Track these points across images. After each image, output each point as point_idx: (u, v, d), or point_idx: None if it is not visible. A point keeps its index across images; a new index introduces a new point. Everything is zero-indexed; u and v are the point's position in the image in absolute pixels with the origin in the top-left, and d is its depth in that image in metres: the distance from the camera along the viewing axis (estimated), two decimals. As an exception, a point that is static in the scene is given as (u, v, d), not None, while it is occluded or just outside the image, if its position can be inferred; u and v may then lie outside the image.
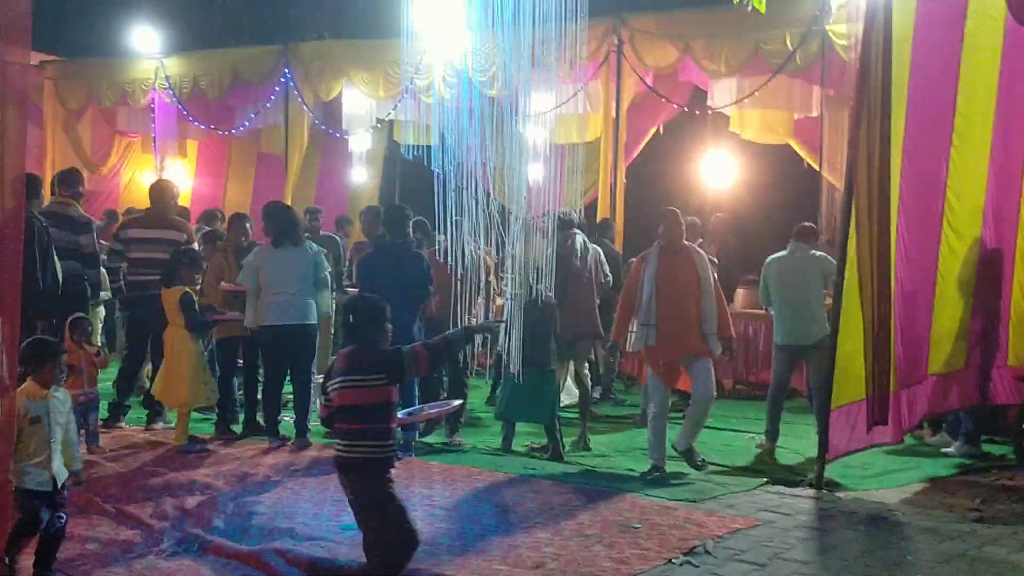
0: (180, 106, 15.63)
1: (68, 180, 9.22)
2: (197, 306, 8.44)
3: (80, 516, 7.07)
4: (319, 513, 6.82)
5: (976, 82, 8.37)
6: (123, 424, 9.30)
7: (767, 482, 7.71)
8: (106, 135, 16.95)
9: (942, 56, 8.08)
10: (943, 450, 8.89)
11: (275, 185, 15.36)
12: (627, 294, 8.48)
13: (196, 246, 9.54)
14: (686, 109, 13.98)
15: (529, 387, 8.42)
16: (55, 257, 8.15)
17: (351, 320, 5.30)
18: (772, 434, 8.91)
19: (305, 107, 14.90)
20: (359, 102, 14.76)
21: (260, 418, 8.97)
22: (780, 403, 9.04)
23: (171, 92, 15.59)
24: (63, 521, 5.64)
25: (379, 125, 15.02)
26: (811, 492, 7.38)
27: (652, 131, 14.63)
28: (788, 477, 7.91)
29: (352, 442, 5.08)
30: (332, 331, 10.38)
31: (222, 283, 9.05)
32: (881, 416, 7.57)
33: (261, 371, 9.05)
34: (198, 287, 8.75)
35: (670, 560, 5.89)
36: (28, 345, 5.83)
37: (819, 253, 9.14)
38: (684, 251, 8.31)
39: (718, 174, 14.42)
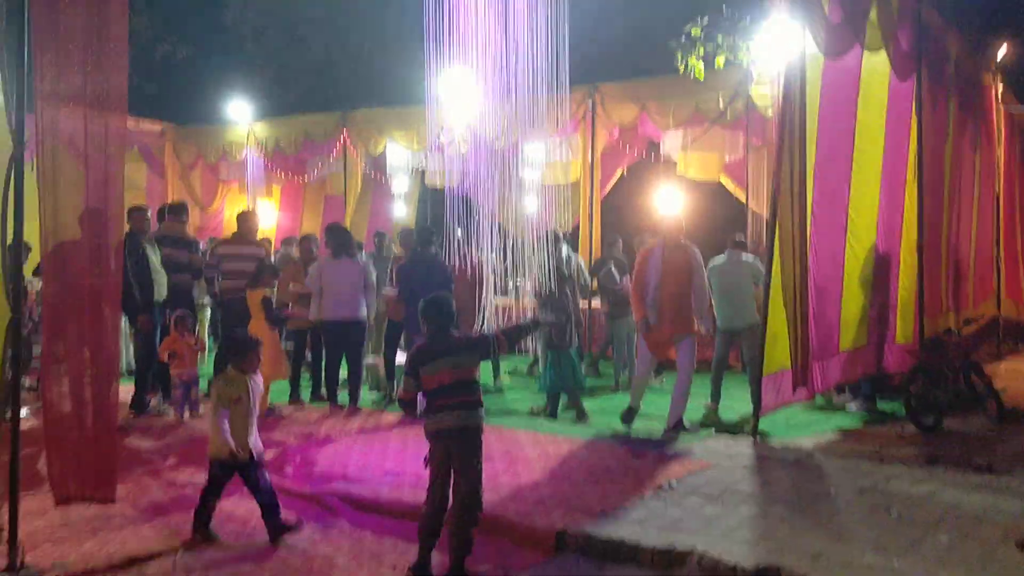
0: (266, 160, 15.26)
1: (177, 210, 8.86)
2: (274, 305, 8.04)
3: (182, 467, 6.65)
4: (367, 463, 6.38)
5: (869, 125, 8.14)
6: None
7: (715, 433, 7.26)
8: (212, 182, 16.55)
9: (843, 105, 7.79)
10: (847, 406, 8.47)
11: (338, 218, 14.72)
12: (638, 281, 7.82)
13: (273, 260, 9.20)
14: (643, 156, 13.63)
15: (561, 364, 8.04)
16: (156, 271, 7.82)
17: (432, 314, 4.73)
18: (715, 397, 8.45)
19: (358, 159, 14.51)
20: (399, 154, 14.35)
21: (323, 391, 8.53)
22: (721, 373, 8.58)
23: (260, 149, 15.24)
24: (267, 479, 5.26)
25: (414, 172, 14.65)
26: (749, 441, 6.92)
27: (618, 173, 14.21)
28: (730, 429, 7.45)
29: (473, 411, 4.59)
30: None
31: (291, 285, 8.63)
32: (803, 380, 7.18)
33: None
34: (275, 290, 8.35)
35: (643, 496, 5.44)
36: (230, 340, 5.48)
37: (748, 258, 8.72)
38: (681, 247, 7.74)
39: (668, 204, 13.98)
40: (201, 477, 6.41)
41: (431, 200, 15.56)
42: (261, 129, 15.38)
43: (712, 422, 7.95)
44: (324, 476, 6.09)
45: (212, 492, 5.25)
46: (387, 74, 14.67)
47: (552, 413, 8.20)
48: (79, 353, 5.11)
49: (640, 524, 4.90)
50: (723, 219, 13.72)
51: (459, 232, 8.03)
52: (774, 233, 7.08)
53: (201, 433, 7.34)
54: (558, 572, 4.58)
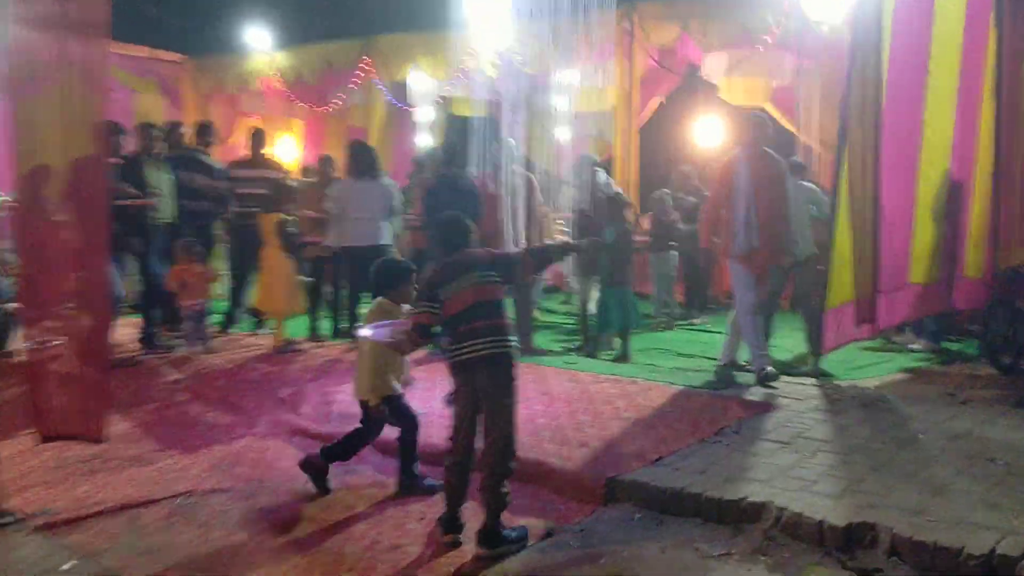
0: (287, 91, 14.46)
1: (202, 132, 8.20)
2: (290, 230, 7.32)
3: (192, 404, 6.02)
4: (391, 401, 5.70)
5: (945, 38, 7.16)
6: (234, 329, 8.21)
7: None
8: (231, 115, 15.71)
9: (917, 18, 6.85)
10: (909, 346, 7.70)
11: None
12: (714, 201, 6.58)
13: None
14: (683, 82, 12.65)
15: (620, 302, 7.32)
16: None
17: (445, 233, 4.03)
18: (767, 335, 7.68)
19: (382, 87, 13.67)
20: (424, 82, 13.49)
21: (344, 325, 7.85)
22: (774, 310, 7.80)
23: (280, 79, 14.45)
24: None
25: (439, 100, 13.76)
26: (812, 381, 6.17)
27: (656, 100, 13.25)
28: (789, 369, 6.70)
29: (503, 337, 3.83)
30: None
31: (304, 210, 7.89)
32: (869, 316, 6.42)
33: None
34: (293, 217, 7.60)
35: (702, 440, 4.73)
36: (385, 266, 4.67)
37: (807, 184, 7.86)
38: (768, 156, 6.45)
39: (708, 135, 13.07)
40: (211, 414, 5.81)
41: (457, 130, 14.68)
42: (282, 58, 14.55)
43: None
44: (343, 416, 5.43)
45: (363, 439, 4.57)
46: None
47: (591, 353, 7.50)
48: (58, 282, 4.49)
49: (702, 473, 4.20)
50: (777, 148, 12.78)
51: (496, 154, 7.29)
52: (841, 156, 6.27)
53: (213, 368, 6.71)
54: (610, 527, 3.90)
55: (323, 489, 4.42)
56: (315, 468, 4.46)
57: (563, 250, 4.44)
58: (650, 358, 7.43)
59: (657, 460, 4.39)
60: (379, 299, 4.52)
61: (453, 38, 13.05)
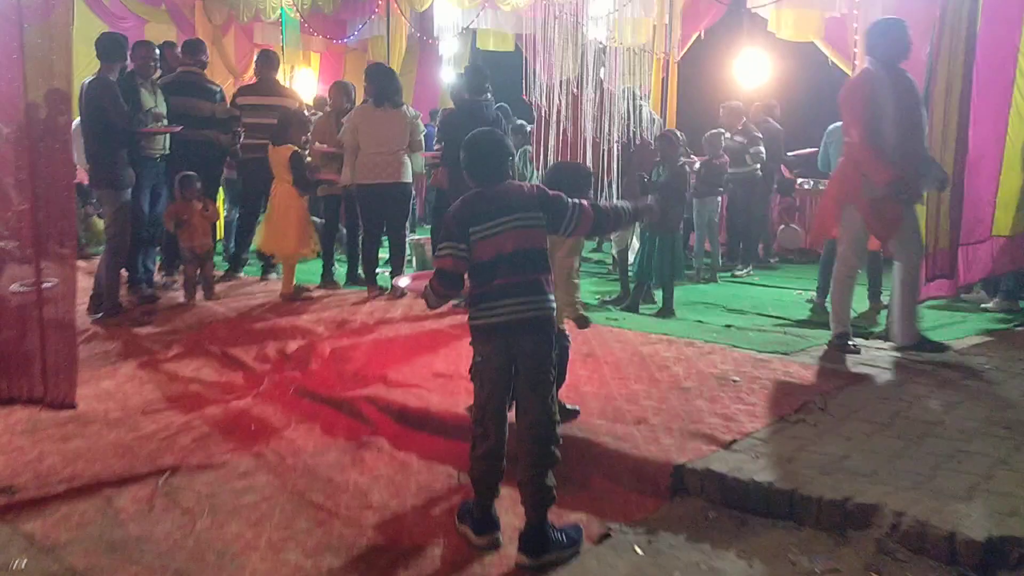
0: (302, 22, 13.49)
1: (191, 49, 7.10)
2: (304, 165, 6.46)
3: (188, 358, 5.26)
4: (412, 363, 4.93)
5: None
6: (240, 275, 7.41)
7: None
8: (246, 47, 14.76)
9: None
10: (982, 306, 6.83)
11: None
12: (869, 127, 4.88)
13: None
14: (726, 14, 11.56)
15: (667, 250, 6.47)
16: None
17: (478, 154, 3.13)
18: (823, 290, 6.82)
19: (403, 17, 12.67)
20: (447, 12, 12.49)
21: (360, 271, 7.04)
22: (831, 261, 6.95)
23: (296, 8, 13.46)
24: None
25: (464, 31, 12.76)
26: (885, 344, 5.33)
27: (694, 36, 12.17)
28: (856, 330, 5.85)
29: (546, 296, 3.06)
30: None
31: (316, 144, 6.99)
32: (947, 269, 5.57)
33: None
34: (306, 150, 6.71)
35: (783, 417, 3.92)
36: (564, 168, 4.25)
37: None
38: (904, 74, 5.00)
39: (753, 73, 12.00)
40: (208, 371, 5.05)
41: (484, 63, 13.70)
42: (297, -16, 13.54)
43: (821, 318, 6.38)
44: (359, 377, 4.67)
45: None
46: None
47: (632, 306, 6.68)
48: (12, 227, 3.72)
49: (790, 462, 3.40)
50: (815, 90, 11.73)
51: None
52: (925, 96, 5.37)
53: (213, 318, 5.94)
54: (680, 529, 3.13)
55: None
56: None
57: (634, 215, 3.51)
58: (696, 313, 6.61)
59: (731, 443, 3.59)
60: None
61: (479, -38, 12.07)
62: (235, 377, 5.03)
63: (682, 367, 4.65)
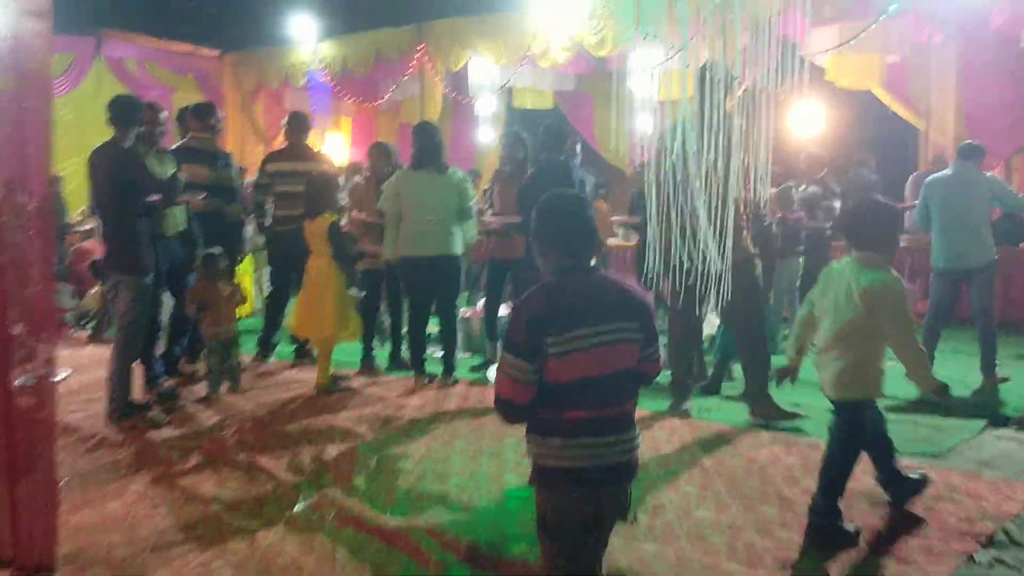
0: (333, 85, 12.92)
1: (200, 113, 6.32)
2: (343, 236, 5.63)
3: (210, 469, 4.36)
4: (476, 472, 4.01)
5: None
6: (271, 360, 6.54)
7: (988, 425, 4.66)
8: (276, 113, 14.17)
9: None
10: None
11: None
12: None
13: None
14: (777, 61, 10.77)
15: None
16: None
17: (557, 228, 2.36)
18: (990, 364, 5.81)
19: (437, 78, 12.04)
20: (483, 70, 11.83)
21: (404, 354, 6.16)
22: (938, 332, 5.98)
23: (326, 71, 12.93)
24: None
25: (501, 90, 12.06)
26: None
27: (744, 85, 11.39)
28: (993, 415, 4.86)
29: (634, 434, 2.35)
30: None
31: (353, 212, 6.14)
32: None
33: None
34: (343, 218, 5.86)
35: (971, 557, 2.94)
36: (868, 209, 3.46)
37: (988, 174, 6.04)
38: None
39: (806, 123, 11.15)
40: (233, 488, 4.17)
41: (520, 122, 12.99)
42: (328, 49, 13.01)
43: (940, 399, 5.38)
44: (413, 497, 3.76)
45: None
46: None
47: (712, 387, 5.73)
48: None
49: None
50: (873, 140, 10.87)
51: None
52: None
53: (239, 416, 5.07)
54: None
55: None
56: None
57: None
58: (788, 394, 5.63)
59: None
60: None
61: (516, 19, 11.43)
62: (264, 492, 4.14)
63: (814, 480, 3.68)
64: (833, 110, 11.03)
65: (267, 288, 7.08)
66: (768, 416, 4.83)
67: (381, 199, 5.63)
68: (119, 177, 4.98)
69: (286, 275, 6.37)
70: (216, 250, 5.54)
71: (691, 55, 11.20)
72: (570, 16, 10.64)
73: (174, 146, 6.14)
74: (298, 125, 6.46)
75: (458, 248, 5.52)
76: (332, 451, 4.43)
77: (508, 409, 2.29)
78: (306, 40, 13.08)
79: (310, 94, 13.45)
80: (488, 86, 11.93)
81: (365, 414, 4.94)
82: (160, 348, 5.71)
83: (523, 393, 2.23)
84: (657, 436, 4.42)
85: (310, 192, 5.53)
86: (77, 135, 9.85)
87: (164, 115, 5.57)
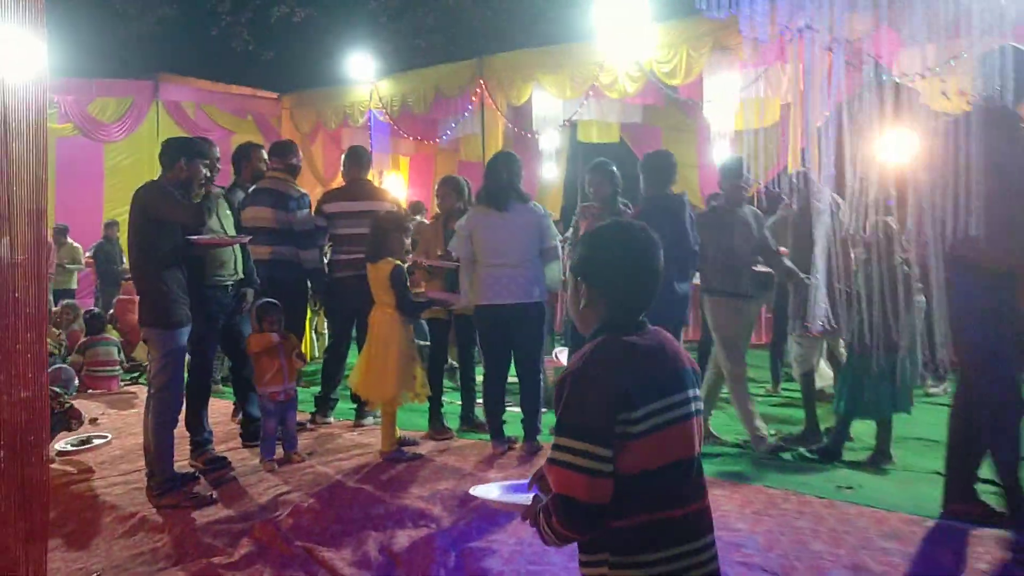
0: (392, 124, 12.41)
1: (279, 151, 5.77)
2: (409, 282, 4.94)
3: (261, 561, 3.63)
4: (572, 562, 3.21)
5: None
6: (330, 420, 5.82)
7: None
8: (334, 154, 13.73)
9: None
10: None
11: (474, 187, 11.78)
12: None
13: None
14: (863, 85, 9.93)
15: (887, 375, 4.68)
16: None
17: (637, 271, 1.86)
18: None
19: (499, 113, 11.43)
20: (547, 104, 11.20)
21: (477, 414, 5.43)
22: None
23: (385, 111, 12.45)
24: None
25: (565, 125, 11.38)
26: None
27: (826, 113, 10.53)
28: None
29: (714, 534, 1.84)
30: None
31: (419, 258, 5.41)
32: None
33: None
34: (408, 263, 5.16)
35: None
36: None
37: None
38: None
39: (896, 149, 10.21)
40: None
41: (583, 157, 12.28)
42: (386, 87, 12.56)
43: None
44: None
45: None
46: (531, 8, 11.53)
47: (834, 450, 4.88)
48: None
49: None
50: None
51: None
52: None
53: (300, 492, 4.36)
54: None
55: None
56: None
57: None
58: (916, 455, 4.79)
59: None
60: None
61: (581, 50, 10.80)
62: (324, 595, 3.41)
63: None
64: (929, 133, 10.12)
65: (326, 339, 6.43)
66: (976, 517, 3.60)
67: (453, 240, 4.93)
68: (147, 212, 4.37)
69: (346, 326, 5.71)
70: (272, 301, 4.89)
71: (772, 82, 10.43)
72: (639, 44, 9.97)
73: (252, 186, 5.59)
74: (357, 160, 5.82)
75: (540, 294, 4.77)
76: (402, 539, 3.69)
77: (583, 516, 1.69)
78: (364, 79, 12.66)
79: (370, 134, 12.98)
80: (552, 120, 11.28)
81: (439, 491, 4.19)
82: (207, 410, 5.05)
83: (603, 490, 1.69)
84: (800, 526, 3.58)
85: (373, 234, 4.87)
86: (135, 179, 9.49)
87: (217, 151, 4.99)
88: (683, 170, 11.79)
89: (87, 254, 11.57)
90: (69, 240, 11.34)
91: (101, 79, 12.40)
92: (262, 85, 13.99)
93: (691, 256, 4.54)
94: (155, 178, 4.57)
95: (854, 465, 4.73)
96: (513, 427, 5.00)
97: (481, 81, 11.44)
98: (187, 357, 4.58)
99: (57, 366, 7.02)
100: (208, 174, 4.58)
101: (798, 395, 6.73)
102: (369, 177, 6.05)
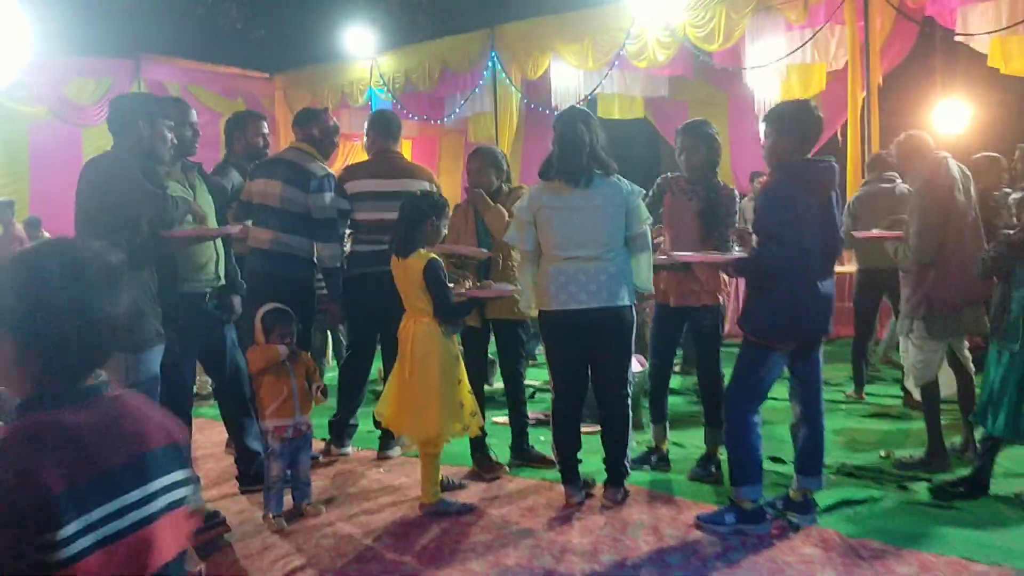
0: (395, 101, 11.14)
1: (301, 119, 4.49)
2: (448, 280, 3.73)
3: None
4: None
5: None
6: (348, 450, 4.59)
7: None
8: (332, 137, 12.54)
9: None
10: None
11: None
12: None
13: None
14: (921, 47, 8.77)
15: None
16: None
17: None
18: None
19: (514, 88, 10.21)
20: (566, 76, 9.98)
21: (540, 445, 4.23)
22: None
23: (386, 88, 11.23)
24: None
25: (585, 100, 10.13)
26: None
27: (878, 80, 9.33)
28: None
29: None
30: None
31: (448, 244, 4.02)
32: None
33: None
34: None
35: None
36: None
37: None
38: None
39: (953, 115, 9.05)
40: None
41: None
42: (387, 63, 11.33)
43: None
44: None
45: None
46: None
47: (980, 482, 3.75)
48: None
49: None
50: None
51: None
52: None
53: (307, 561, 3.16)
54: None
55: None
56: None
57: None
58: None
59: None
60: None
61: (605, 15, 9.59)
62: None
63: None
64: (995, 100, 8.98)
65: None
66: None
67: (510, 227, 3.71)
68: (103, 197, 3.15)
69: (368, 333, 4.48)
70: (282, 307, 3.67)
71: (819, 46, 9.18)
72: (671, 6, 8.77)
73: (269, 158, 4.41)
74: (384, 127, 4.56)
75: (628, 297, 3.56)
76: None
77: None
78: (363, 55, 11.42)
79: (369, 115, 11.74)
80: (571, 94, 10.05)
81: (508, 568, 3.00)
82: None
83: None
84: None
85: (403, 220, 3.66)
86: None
87: (193, 115, 3.76)
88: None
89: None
90: (45, 233, 10.06)
91: (78, 58, 11.14)
92: (252, 64, 12.73)
93: (838, 245, 3.38)
94: (107, 149, 3.35)
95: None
96: (589, 462, 3.80)
97: (493, 53, 10.24)
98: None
99: None
100: (175, 140, 3.36)
101: (887, 402, 5.65)
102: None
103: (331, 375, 5.45)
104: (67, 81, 10.94)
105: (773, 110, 3.49)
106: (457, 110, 10.99)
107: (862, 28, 8.02)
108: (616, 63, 9.45)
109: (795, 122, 3.28)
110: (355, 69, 11.58)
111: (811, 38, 8.28)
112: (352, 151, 12.71)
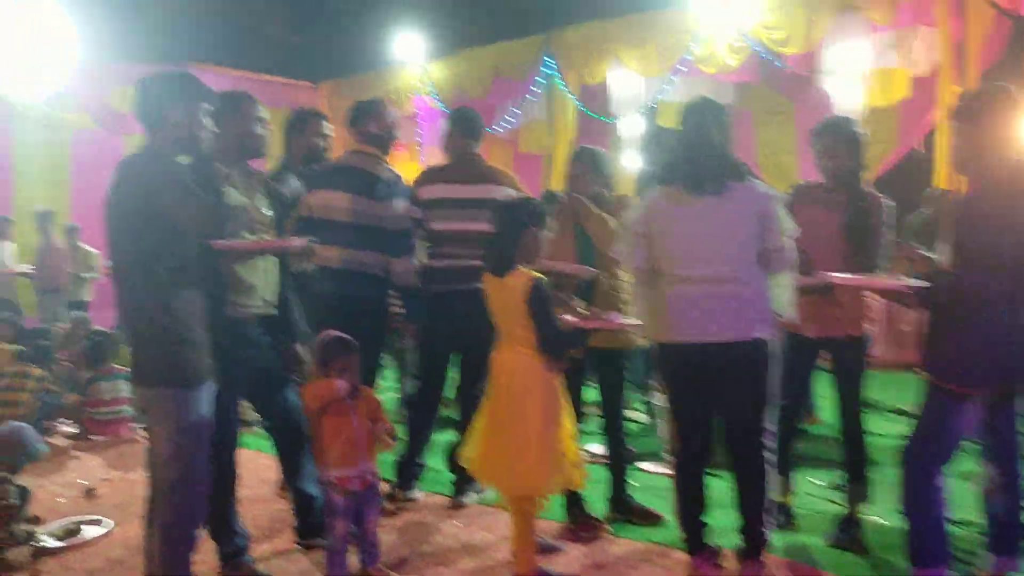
0: (444, 109, 10.59)
1: (356, 117, 3.90)
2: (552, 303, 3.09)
3: None
4: None
5: None
6: (416, 495, 4.01)
7: None
8: (378, 146, 12.03)
9: None
10: None
11: (532, 187, 9.77)
12: None
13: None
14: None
15: None
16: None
17: None
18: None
19: (570, 95, 9.60)
20: (626, 83, 9.34)
21: (652, 499, 3.58)
22: None
23: (437, 95, 10.70)
24: None
25: (648, 107, 9.47)
26: None
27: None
28: None
29: None
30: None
31: (555, 264, 3.36)
32: None
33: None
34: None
35: None
36: None
37: None
38: None
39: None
40: None
41: (663, 144, 10.31)
42: (438, 69, 10.81)
43: None
44: None
45: None
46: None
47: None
48: None
49: None
50: None
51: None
52: None
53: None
54: None
55: None
56: None
57: None
58: None
59: None
60: None
61: (670, 18, 8.96)
62: None
63: None
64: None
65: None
66: None
67: (620, 239, 3.08)
68: (151, 205, 2.56)
69: (441, 363, 3.88)
70: (341, 335, 3.07)
71: (903, 49, 8.43)
72: (743, 7, 8.12)
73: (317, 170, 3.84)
74: (467, 126, 3.99)
75: (765, 328, 2.90)
76: None
77: None
78: (413, 61, 10.91)
79: (418, 123, 11.21)
80: (632, 102, 9.43)
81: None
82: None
83: None
84: None
85: (499, 231, 3.04)
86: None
87: (258, 110, 3.22)
88: (778, 156, 9.98)
89: (107, 262, 9.85)
90: (81, 244, 9.64)
91: (122, 65, 10.75)
92: (297, 73, 12.32)
93: None
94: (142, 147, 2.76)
95: None
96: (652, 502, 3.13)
97: (548, 59, 9.67)
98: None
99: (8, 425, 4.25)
100: (215, 129, 2.78)
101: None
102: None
103: (385, 396, 4.84)
104: (111, 89, 10.57)
105: (965, 97, 2.83)
106: (511, 119, 10.37)
107: (954, 28, 7.31)
108: (684, 69, 8.79)
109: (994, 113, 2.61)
110: (403, 76, 11.09)
111: (887, 47, 7.60)
112: (398, 160, 12.22)
